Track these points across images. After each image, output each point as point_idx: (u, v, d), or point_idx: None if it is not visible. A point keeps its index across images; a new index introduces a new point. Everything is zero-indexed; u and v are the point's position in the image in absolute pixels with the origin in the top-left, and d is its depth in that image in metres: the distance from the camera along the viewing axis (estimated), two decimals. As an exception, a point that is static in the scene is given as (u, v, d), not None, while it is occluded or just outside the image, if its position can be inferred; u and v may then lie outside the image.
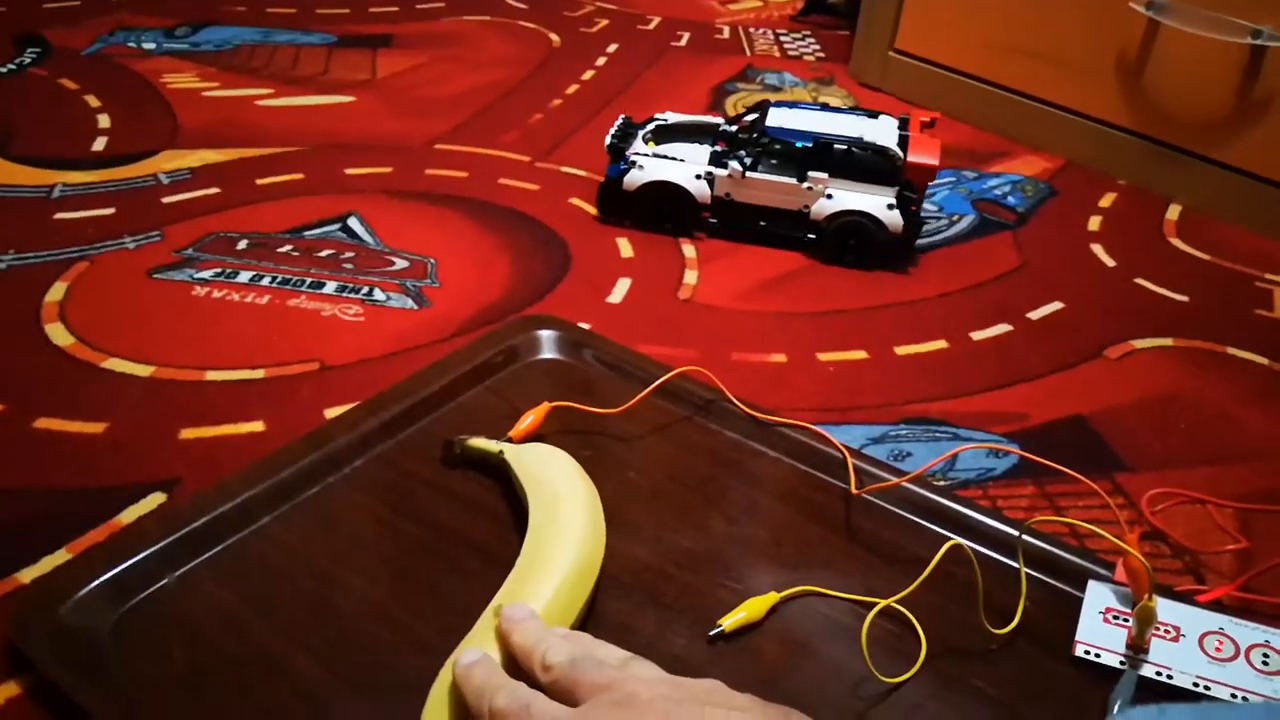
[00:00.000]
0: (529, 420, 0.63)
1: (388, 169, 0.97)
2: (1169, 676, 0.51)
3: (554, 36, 1.33)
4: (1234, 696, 0.50)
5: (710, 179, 0.88)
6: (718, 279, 0.85)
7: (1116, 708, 0.49)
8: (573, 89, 1.18)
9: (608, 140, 0.90)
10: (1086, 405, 0.73)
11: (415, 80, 1.17)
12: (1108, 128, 1.06)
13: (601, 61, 1.27)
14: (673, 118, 0.94)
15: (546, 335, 0.72)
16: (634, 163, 0.88)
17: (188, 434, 0.64)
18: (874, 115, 0.90)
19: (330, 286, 0.79)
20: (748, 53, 1.34)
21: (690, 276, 0.85)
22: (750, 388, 0.70)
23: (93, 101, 1.06)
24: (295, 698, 0.48)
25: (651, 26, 1.40)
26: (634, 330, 0.77)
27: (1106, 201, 1.03)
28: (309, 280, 0.80)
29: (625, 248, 0.88)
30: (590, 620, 0.52)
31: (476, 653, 0.45)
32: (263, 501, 0.57)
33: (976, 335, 0.81)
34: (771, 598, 0.54)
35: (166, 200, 0.90)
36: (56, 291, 0.76)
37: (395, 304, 0.78)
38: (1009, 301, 0.85)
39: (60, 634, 0.49)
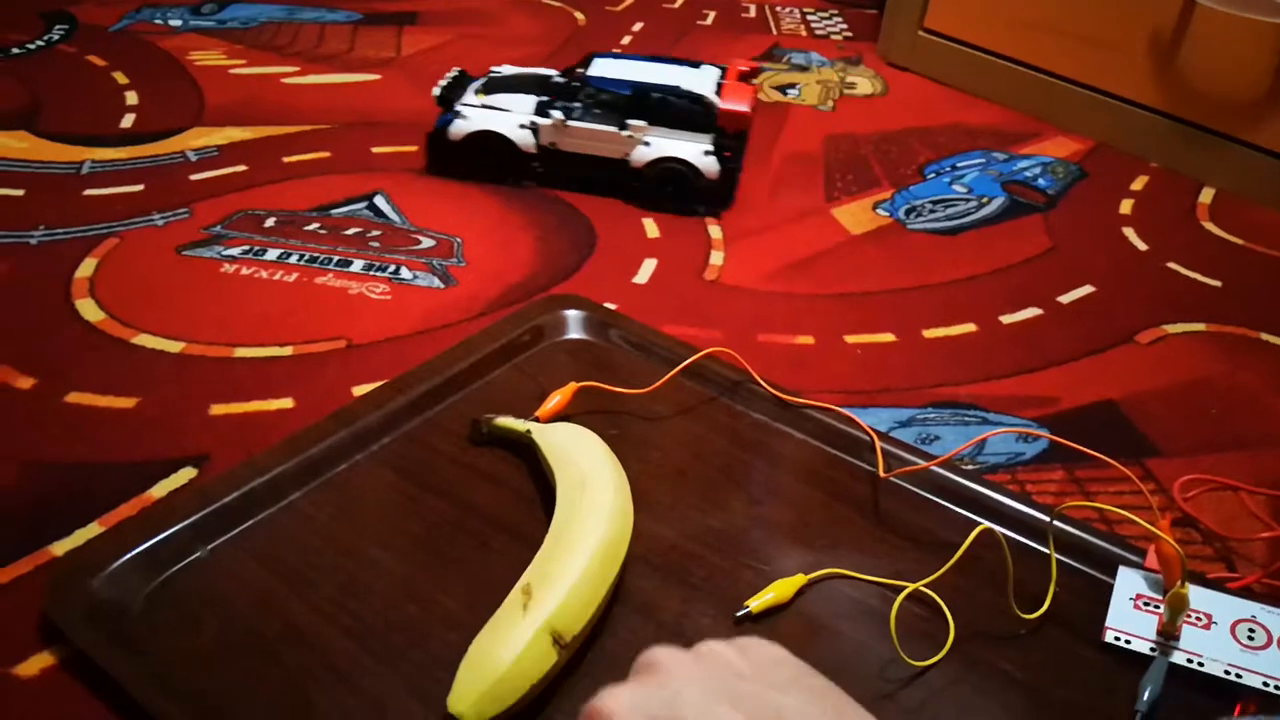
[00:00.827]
0: (556, 400, 0.63)
1: (414, 147, 0.97)
2: (1200, 664, 0.50)
3: (579, 15, 1.32)
4: (1266, 685, 0.49)
5: (535, 128, 0.89)
6: (744, 260, 0.85)
7: (1146, 694, 0.49)
8: (598, 68, 1.18)
9: (436, 90, 0.91)
10: (1117, 390, 0.73)
11: (440, 58, 1.17)
12: (1140, 109, 1.05)
13: (627, 40, 1.26)
14: (507, 70, 0.96)
15: (573, 315, 0.72)
16: (459, 113, 0.90)
17: (217, 410, 0.65)
18: (697, 65, 0.92)
19: (357, 265, 0.79)
20: (774, 32, 1.33)
21: (716, 257, 0.85)
22: (777, 369, 0.69)
23: (120, 78, 1.06)
24: (325, 671, 0.48)
25: (677, 5, 1.38)
26: (660, 311, 0.77)
27: (1138, 184, 1.02)
28: (336, 258, 0.80)
29: (651, 228, 0.88)
30: (617, 599, 0.52)
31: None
32: (292, 478, 0.58)
33: (1006, 319, 0.80)
34: (799, 580, 0.54)
35: (194, 177, 0.90)
36: (87, 267, 0.77)
37: (422, 283, 0.78)
38: (1039, 285, 0.84)
39: (93, 606, 0.50)
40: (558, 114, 0.88)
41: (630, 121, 0.88)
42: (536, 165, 0.91)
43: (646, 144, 0.88)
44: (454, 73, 0.94)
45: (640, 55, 0.95)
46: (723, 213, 0.91)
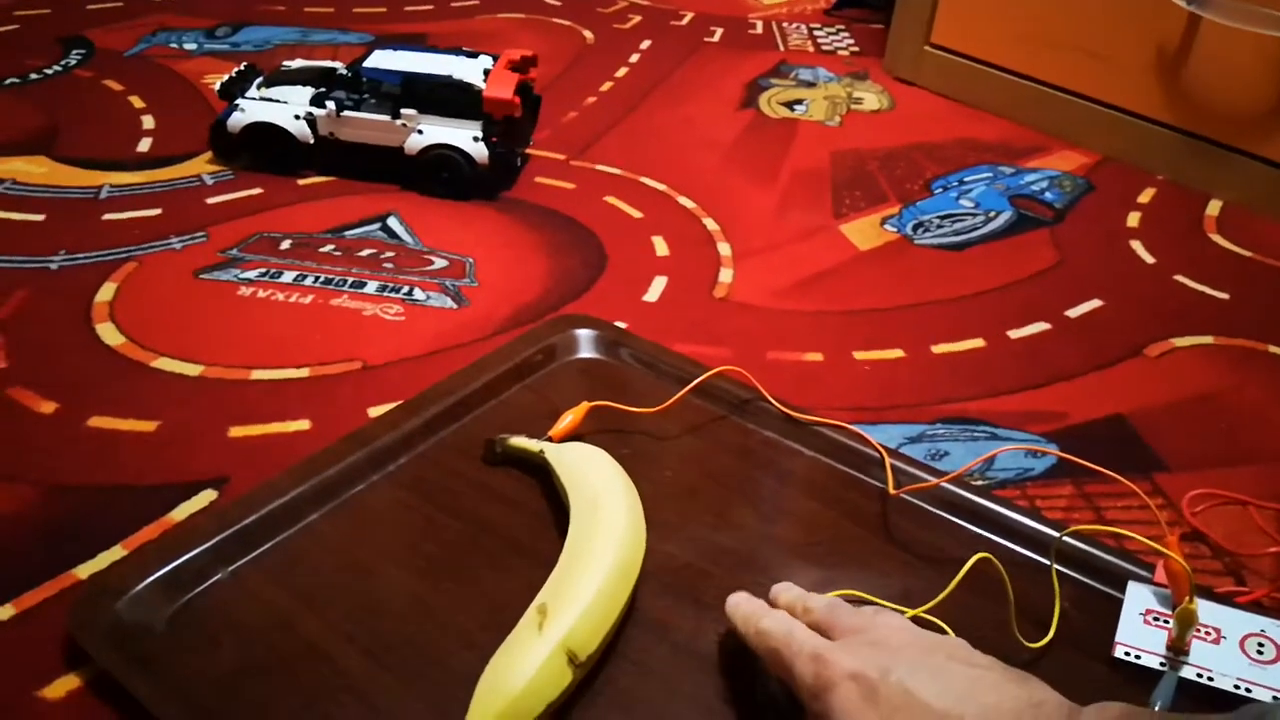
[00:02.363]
0: (569, 420, 0.64)
1: (426, 168, 0.98)
2: (1210, 678, 0.51)
3: (587, 34, 1.34)
4: (1276, 699, 0.50)
5: (311, 119, 0.92)
6: (753, 277, 0.86)
7: (1157, 708, 0.49)
8: (607, 86, 1.19)
9: (218, 84, 0.95)
10: (1126, 404, 0.73)
11: (451, 79, 1.18)
12: (1146, 122, 1.05)
13: (635, 58, 1.27)
14: (297, 64, 0.99)
15: (584, 334, 0.73)
16: (237, 105, 0.93)
17: (236, 432, 0.66)
18: (473, 55, 0.95)
19: (371, 286, 0.81)
20: (781, 48, 1.34)
21: (725, 275, 0.86)
22: (786, 387, 0.70)
23: (137, 102, 1.08)
24: (344, 692, 0.49)
25: (685, 22, 1.40)
26: (670, 329, 0.78)
27: (1145, 197, 1.02)
28: (350, 280, 0.81)
29: (661, 246, 0.89)
30: (630, 617, 0.53)
31: (744, 595, 0.51)
32: (310, 499, 0.58)
33: (1014, 334, 0.80)
34: (810, 597, 0.54)
35: (210, 201, 0.91)
36: (106, 291, 0.78)
37: (435, 303, 0.79)
38: (1047, 299, 0.85)
39: (117, 628, 0.51)
40: (330, 105, 0.91)
41: (403, 110, 0.90)
42: (316, 156, 0.94)
43: (419, 132, 0.91)
44: (241, 66, 0.98)
45: (420, 46, 0.98)
46: (502, 193, 0.95)
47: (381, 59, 0.93)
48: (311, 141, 0.93)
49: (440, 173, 0.92)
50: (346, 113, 0.91)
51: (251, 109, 0.93)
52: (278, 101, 0.93)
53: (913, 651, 0.44)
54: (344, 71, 0.94)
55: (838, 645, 0.45)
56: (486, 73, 0.92)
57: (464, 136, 0.91)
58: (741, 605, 0.50)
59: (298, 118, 0.92)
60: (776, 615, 0.48)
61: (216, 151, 0.97)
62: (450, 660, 0.51)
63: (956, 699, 0.41)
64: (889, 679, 0.42)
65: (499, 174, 0.94)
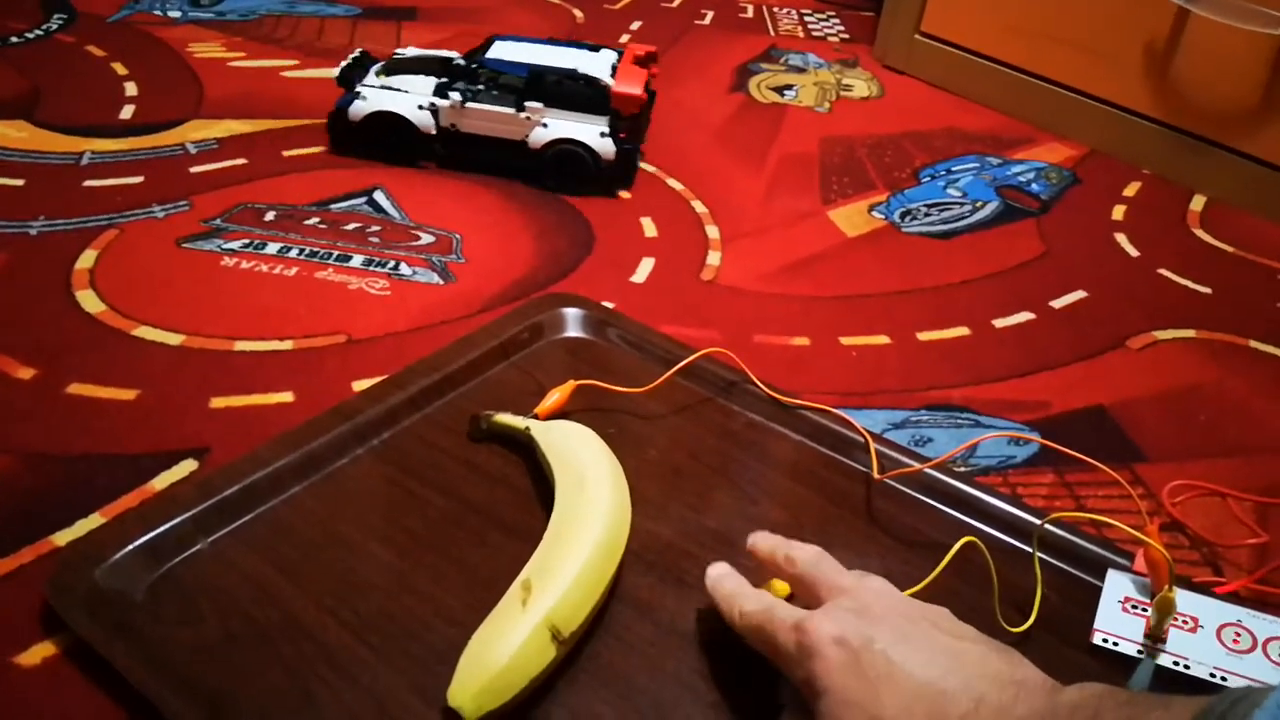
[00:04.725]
0: (555, 398, 0.64)
1: (413, 143, 0.98)
2: (1186, 666, 0.51)
3: (577, 12, 1.33)
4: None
5: (434, 109, 0.90)
6: (741, 260, 0.86)
7: (1133, 695, 0.50)
8: (597, 66, 1.18)
9: (337, 71, 0.93)
10: (1108, 395, 0.74)
11: (440, 54, 1.17)
12: (1133, 116, 1.06)
13: (625, 39, 1.26)
14: (411, 52, 0.97)
15: (571, 313, 0.73)
16: (359, 93, 0.91)
17: (218, 403, 0.65)
18: (596, 49, 0.94)
19: (357, 260, 0.80)
20: (772, 33, 1.33)
21: (714, 258, 0.86)
22: (773, 370, 0.70)
23: (120, 69, 1.06)
24: (325, 663, 0.49)
25: (675, 4, 1.39)
26: (657, 310, 0.78)
27: (1130, 191, 1.03)
28: (336, 253, 0.80)
29: (649, 227, 0.89)
30: (614, 595, 0.53)
31: (724, 566, 0.51)
32: (293, 471, 0.58)
33: (999, 322, 0.81)
34: (794, 579, 0.54)
35: (194, 170, 0.90)
36: (87, 259, 0.77)
37: (421, 279, 0.79)
38: (1032, 289, 0.85)
39: (96, 596, 0.50)
40: (456, 95, 0.89)
41: (527, 103, 0.89)
42: (437, 146, 0.92)
43: (544, 126, 0.90)
44: (356, 53, 0.96)
45: (541, 39, 0.96)
46: (620, 191, 0.93)
47: (504, 50, 0.92)
48: (434, 132, 0.91)
49: (562, 167, 0.91)
50: (471, 104, 0.89)
51: (374, 97, 0.90)
52: (400, 90, 0.91)
53: (897, 620, 0.44)
54: (460, 61, 0.92)
55: (819, 612, 0.45)
56: (613, 68, 0.91)
57: (590, 132, 0.89)
58: (724, 582, 0.50)
59: (421, 108, 0.90)
60: (758, 595, 0.48)
61: (334, 138, 0.94)
62: (432, 636, 0.50)
63: (940, 671, 0.41)
64: (873, 647, 0.42)
65: (621, 169, 0.92)
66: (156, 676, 0.47)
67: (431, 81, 0.91)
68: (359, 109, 0.91)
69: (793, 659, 0.44)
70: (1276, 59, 0.94)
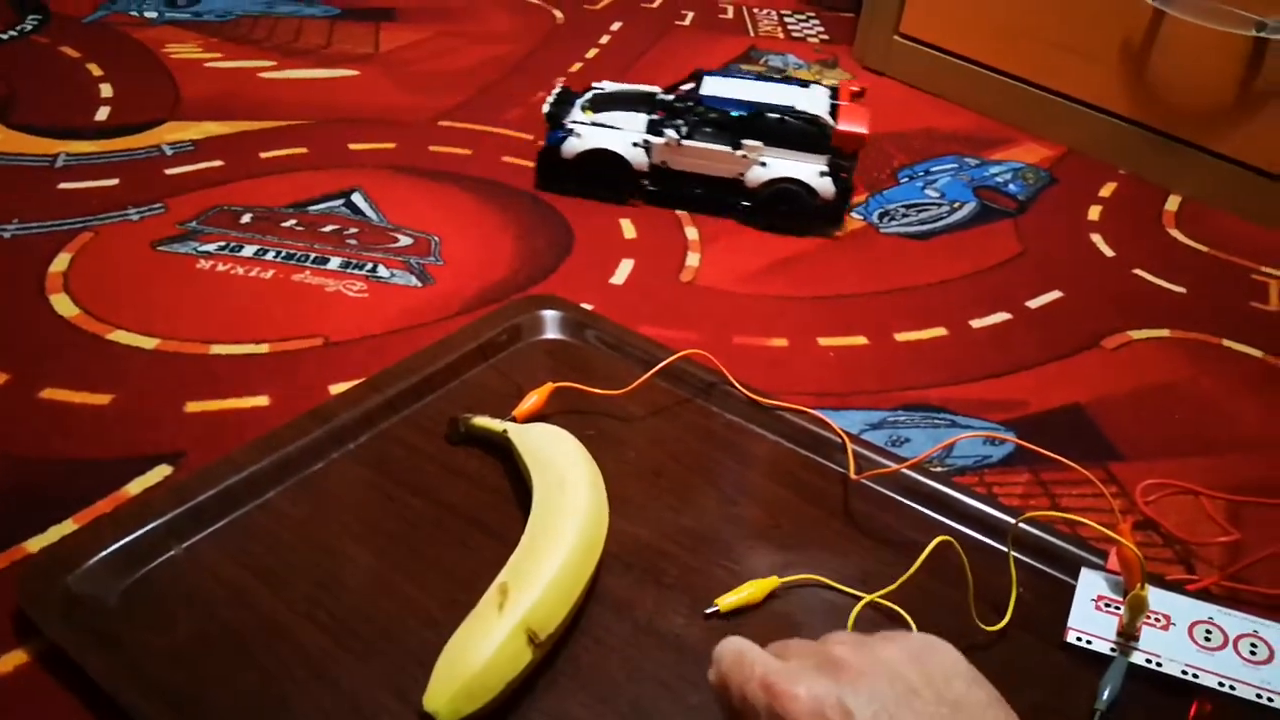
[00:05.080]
0: (533, 400, 0.64)
1: (391, 145, 0.97)
2: (1158, 664, 0.52)
3: (558, 13, 1.33)
4: (1221, 685, 0.51)
5: (647, 147, 0.89)
6: (719, 262, 0.86)
7: (1106, 693, 0.50)
8: (576, 67, 1.18)
9: (545, 108, 0.91)
10: (1083, 394, 0.74)
11: (418, 55, 1.17)
12: (1109, 117, 1.07)
13: (605, 39, 1.26)
14: (610, 86, 0.96)
15: (550, 315, 0.73)
16: (571, 130, 0.90)
17: (193, 407, 0.65)
18: (805, 84, 0.93)
19: (334, 262, 0.80)
20: (751, 33, 1.34)
21: (692, 259, 0.86)
22: (751, 371, 0.70)
23: (95, 70, 1.06)
24: (301, 667, 0.49)
25: (656, 4, 1.39)
26: (636, 311, 0.78)
27: (1106, 191, 1.03)
28: (313, 255, 0.80)
29: (628, 229, 0.89)
30: (591, 597, 0.53)
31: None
32: (269, 475, 0.58)
33: (976, 323, 0.81)
34: (772, 582, 0.54)
35: (170, 172, 0.89)
36: (61, 262, 0.77)
37: (399, 281, 0.78)
38: (1009, 290, 0.86)
39: (68, 602, 0.50)
40: (672, 133, 0.88)
41: (745, 141, 0.88)
42: (647, 183, 0.91)
43: (762, 164, 0.88)
44: (559, 88, 0.94)
45: (748, 73, 0.94)
46: (835, 232, 0.91)
47: (716, 87, 0.90)
48: (645, 169, 0.90)
49: (779, 205, 0.89)
50: (687, 142, 0.88)
51: (588, 135, 0.89)
52: (613, 127, 0.90)
53: (869, 680, 0.38)
54: (665, 98, 0.91)
55: (792, 669, 0.39)
56: (832, 105, 0.90)
57: (810, 170, 0.88)
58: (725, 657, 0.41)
59: (635, 145, 0.89)
60: (730, 639, 0.41)
61: (541, 175, 0.93)
62: (410, 639, 0.50)
63: None
64: (845, 704, 0.36)
65: (839, 208, 0.90)
66: (130, 682, 0.47)
67: (643, 118, 0.90)
68: (573, 146, 0.89)
69: None
70: (1251, 59, 0.95)
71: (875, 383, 0.74)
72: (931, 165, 1.05)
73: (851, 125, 0.89)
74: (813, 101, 0.89)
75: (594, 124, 0.90)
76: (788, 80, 0.94)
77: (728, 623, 0.53)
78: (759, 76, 0.94)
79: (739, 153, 0.88)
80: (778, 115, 0.87)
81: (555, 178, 0.92)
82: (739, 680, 0.39)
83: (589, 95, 0.94)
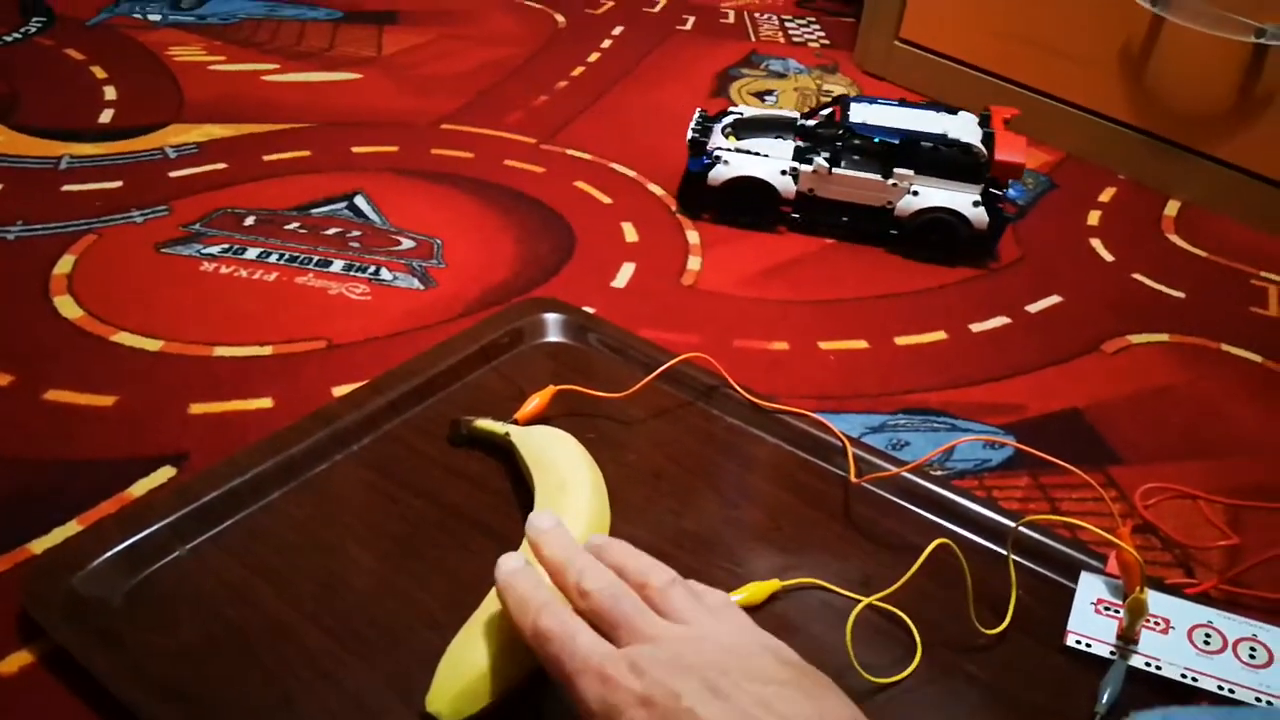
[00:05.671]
0: (535, 403, 0.64)
1: (394, 148, 0.98)
2: (1158, 667, 0.52)
3: (559, 17, 1.33)
4: (1221, 688, 0.51)
5: (795, 174, 0.88)
6: (721, 266, 0.86)
7: (1105, 696, 0.50)
8: (578, 71, 1.19)
9: (689, 134, 0.91)
10: (1082, 399, 0.74)
11: (421, 58, 1.17)
12: (1109, 122, 1.07)
13: (607, 44, 1.27)
14: (749, 112, 0.95)
15: (552, 318, 0.73)
16: (718, 158, 0.89)
17: (197, 409, 0.65)
18: (954, 111, 0.91)
19: (337, 265, 0.80)
20: (752, 38, 1.34)
21: (694, 263, 0.86)
22: (752, 374, 0.71)
23: (99, 73, 1.06)
24: (305, 668, 0.49)
25: (657, 9, 1.40)
26: (637, 315, 0.78)
27: (1106, 196, 1.04)
28: (316, 258, 0.80)
29: (630, 232, 0.89)
30: (593, 600, 0.53)
31: (519, 560, 0.45)
32: (272, 477, 0.58)
33: (976, 327, 0.82)
34: (773, 585, 0.55)
35: (173, 175, 0.90)
36: (65, 264, 0.77)
37: (402, 284, 0.79)
38: (1008, 294, 0.86)
39: (73, 603, 0.50)
40: (821, 161, 0.87)
41: (897, 170, 0.87)
42: (792, 211, 0.91)
43: (914, 193, 0.87)
44: (698, 114, 0.94)
45: (892, 100, 0.92)
46: (990, 264, 0.90)
47: (864, 114, 0.88)
48: (792, 196, 0.89)
49: (930, 235, 0.88)
50: (837, 170, 0.87)
51: (736, 162, 0.88)
52: (759, 154, 0.89)
53: (708, 670, 0.40)
54: (809, 124, 0.90)
55: (626, 658, 0.40)
56: (985, 133, 0.88)
57: (964, 200, 0.86)
58: (517, 586, 0.44)
59: (784, 173, 0.88)
60: (558, 612, 0.43)
61: (685, 201, 0.93)
62: (413, 640, 0.51)
63: None
64: (679, 704, 0.38)
65: (993, 238, 0.90)
66: (135, 683, 0.47)
67: (790, 145, 0.89)
68: (720, 174, 0.89)
69: (591, 712, 0.40)
70: (1249, 65, 0.95)
71: (875, 386, 0.74)
72: (932, 170, 1.05)
73: (1010, 155, 0.87)
74: (963, 128, 0.87)
75: (738, 150, 0.89)
76: (935, 106, 0.92)
77: (729, 625, 0.53)
78: (902, 103, 0.92)
79: (890, 181, 0.87)
80: (931, 143, 0.86)
81: (699, 204, 0.92)
82: (571, 661, 0.41)
83: (729, 120, 0.93)
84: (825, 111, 0.92)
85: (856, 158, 0.88)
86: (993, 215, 0.87)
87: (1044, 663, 0.53)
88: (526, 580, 0.44)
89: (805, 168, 0.88)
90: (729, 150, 0.89)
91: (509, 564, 0.45)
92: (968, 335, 0.80)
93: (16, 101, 0.99)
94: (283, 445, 0.60)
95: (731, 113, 0.95)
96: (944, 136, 0.86)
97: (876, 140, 0.87)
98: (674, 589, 0.45)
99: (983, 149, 0.86)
